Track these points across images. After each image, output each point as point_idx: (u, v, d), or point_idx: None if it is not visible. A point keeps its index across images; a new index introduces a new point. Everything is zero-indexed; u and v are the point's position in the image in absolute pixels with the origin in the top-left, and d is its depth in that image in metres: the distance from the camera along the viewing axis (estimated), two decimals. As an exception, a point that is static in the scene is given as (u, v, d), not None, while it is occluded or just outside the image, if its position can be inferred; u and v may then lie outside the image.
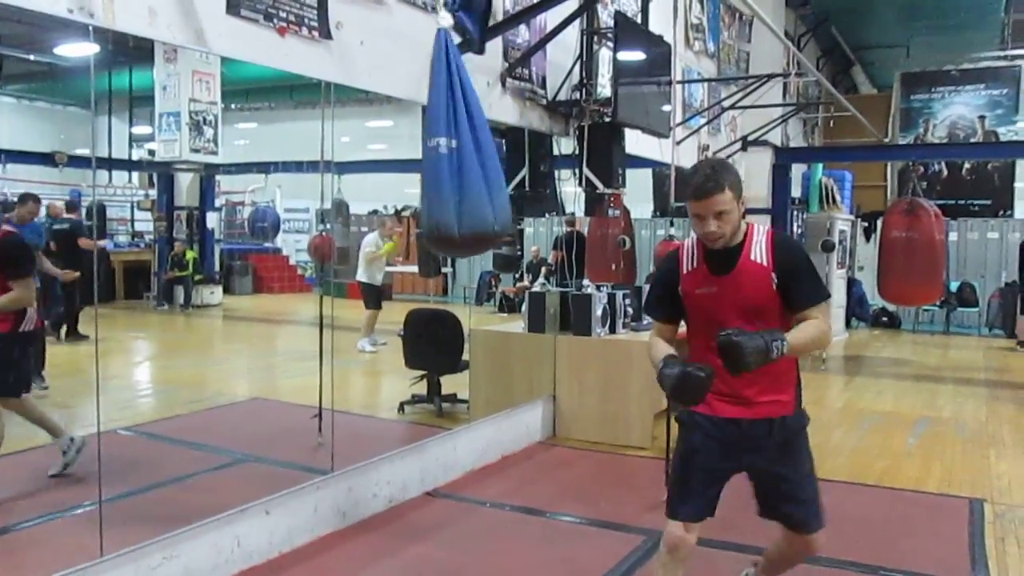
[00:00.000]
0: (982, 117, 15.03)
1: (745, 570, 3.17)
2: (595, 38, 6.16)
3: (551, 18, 5.54)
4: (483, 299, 15.35)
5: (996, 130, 14.86)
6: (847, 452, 5.90)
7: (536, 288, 6.63)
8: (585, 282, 6.49)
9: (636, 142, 6.64)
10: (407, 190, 19.31)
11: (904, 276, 9.12)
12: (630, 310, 6.48)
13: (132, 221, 16.70)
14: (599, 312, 6.06)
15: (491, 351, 6.43)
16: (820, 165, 12.57)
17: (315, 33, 3.85)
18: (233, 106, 17.48)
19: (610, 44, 6.08)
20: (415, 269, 10.45)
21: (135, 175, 15.66)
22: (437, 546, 4.07)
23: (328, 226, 8.30)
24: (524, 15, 5.22)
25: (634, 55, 6.05)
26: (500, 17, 5.24)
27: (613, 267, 7.15)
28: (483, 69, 5.21)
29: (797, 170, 12.19)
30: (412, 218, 10.43)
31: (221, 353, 10.88)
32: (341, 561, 3.85)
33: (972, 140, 14.95)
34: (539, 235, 14.41)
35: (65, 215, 9.76)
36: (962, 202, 14.40)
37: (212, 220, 15.03)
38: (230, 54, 3.67)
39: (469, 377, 6.39)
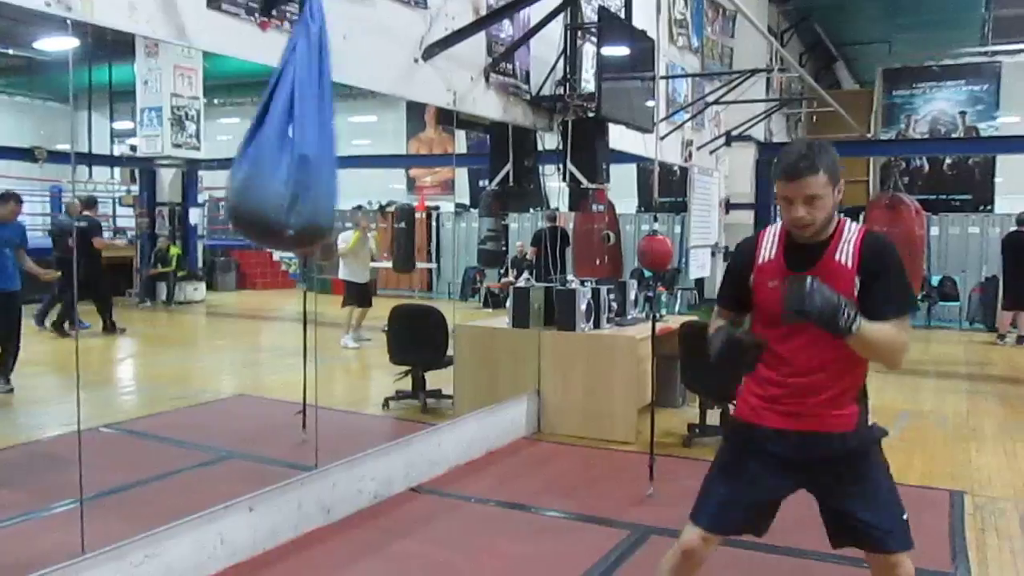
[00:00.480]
0: (963, 113, 15.14)
1: None
2: (579, 33, 6.15)
3: (535, 13, 5.53)
4: (468, 295, 15.35)
5: (977, 126, 14.97)
6: (830, 445, 5.93)
7: (520, 283, 6.63)
8: (569, 277, 6.50)
9: (620, 137, 6.65)
10: (391, 185, 19.32)
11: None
12: (614, 305, 6.50)
13: (114, 217, 16.58)
14: (583, 307, 6.07)
15: (476, 347, 6.43)
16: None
17: (297, 27, 3.82)
18: (216, 101, 17.39)
19: (594, 39, 6.08)
20: (401, 264, 10.44)
21: (116, 171, 15.54)
22: (422, 542, 4.06)
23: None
24: (506, 10, 5.21)
25: (618, 50, 6.05)
26: (483, 12, 5.24)
27: (598, 262, 7.17)
28: (466, 64, 5.21)
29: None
30: (397, 212, 10.43)
31: (205, 349, 10.82)
32: (325, 557, 3.84)
33: (953, 136, 15.06)
34: (524, 231, 14.40)
35: (84, 213, 10.03)
36: (943, 197, 14.50)
37: (195, 216, 14.93)
38: (211, 48, 3.64)
39: (454, 373, 6.38)
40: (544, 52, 5.99)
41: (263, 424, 6.23)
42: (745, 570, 3.38)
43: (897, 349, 2.27)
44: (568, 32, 6.06)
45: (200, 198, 15.61)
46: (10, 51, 14.57)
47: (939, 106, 15.32)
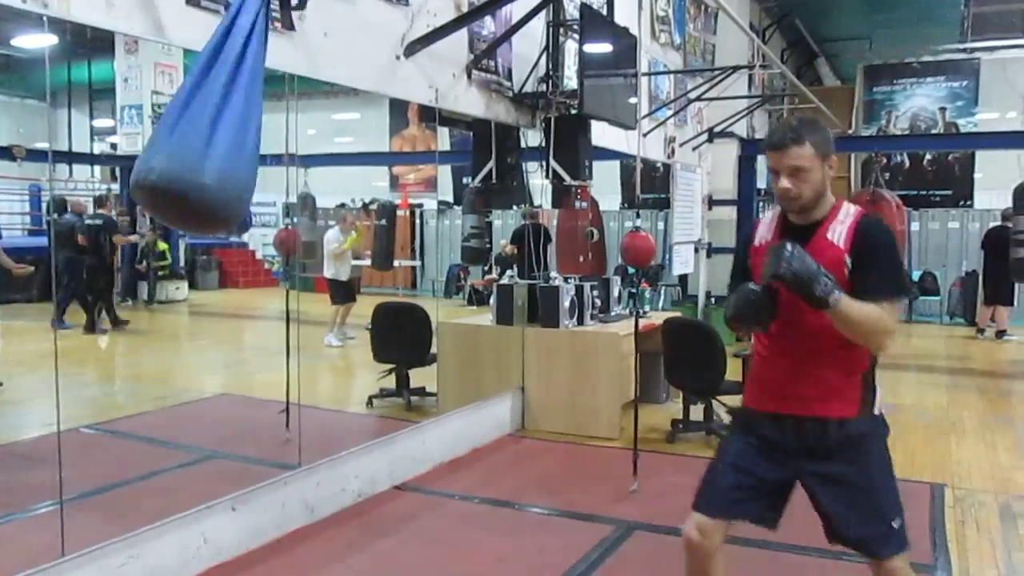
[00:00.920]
0: (943, 109, 15.26)
1: None
2: (561, 30, 6.15)
3: (517, 10, 5.52)
4: (452, 292, 15.33)
5: (956, 122, 15.10)
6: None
7: (504, 281, 6.63)
8: (553, 274, 6.50)
9: (603, 134, 6.65)
10: (375, 183, 19.24)
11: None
12: (598, 301, 6.51)
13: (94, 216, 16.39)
14: (567, 304, 6.08)
15: (460, 344, 6.42)
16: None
17: (278, 24, 3.80)
18: (196, 98, 17.21)
19: (576, 36, 6.08)
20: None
21: (97, 169, 15.39)
22: (406, 539, 4.06)
23: (294, 220, 8.25)
24: (488, 7, 5.20)
25: (600, 47, 6.05)
26: (465, 8, 5.23)
27: (581, 259, 7.18)
28: (448, 61, 5.20)
29: (763, 161, 12.28)
30: (378, 210, 10.40)
31: (187, 349, 10.76)
32: (309, 556, 3.83)
33: (933, 132, 15.18)
34: (508, 228, 14.39)
35: (99, 211, 10.38)
36: (924, 193, 14.63)
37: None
38: (191, 45, 3.59)
39: (438, 370, 6.37)
40: (526, 49, 5.98)
41: (246, 423, 6.20)
42: (737, 567, 3.37)
43: (880, 331, 2.24)
44: (550, 29, 6.06)
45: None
46: (-13, 49, 14.39)
47: (919, 102, 15.45)
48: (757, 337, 2.52)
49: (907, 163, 15.04)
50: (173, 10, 3.31)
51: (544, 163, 6.09)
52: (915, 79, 15.48)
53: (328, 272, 9.55)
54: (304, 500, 4.15)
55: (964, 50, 15.08)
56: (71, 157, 13.76)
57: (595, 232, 7.48)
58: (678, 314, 7.32)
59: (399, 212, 13.50)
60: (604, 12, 6.82)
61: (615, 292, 6.91)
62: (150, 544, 3.33)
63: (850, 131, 14.61)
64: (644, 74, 8.00)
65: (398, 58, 4.71)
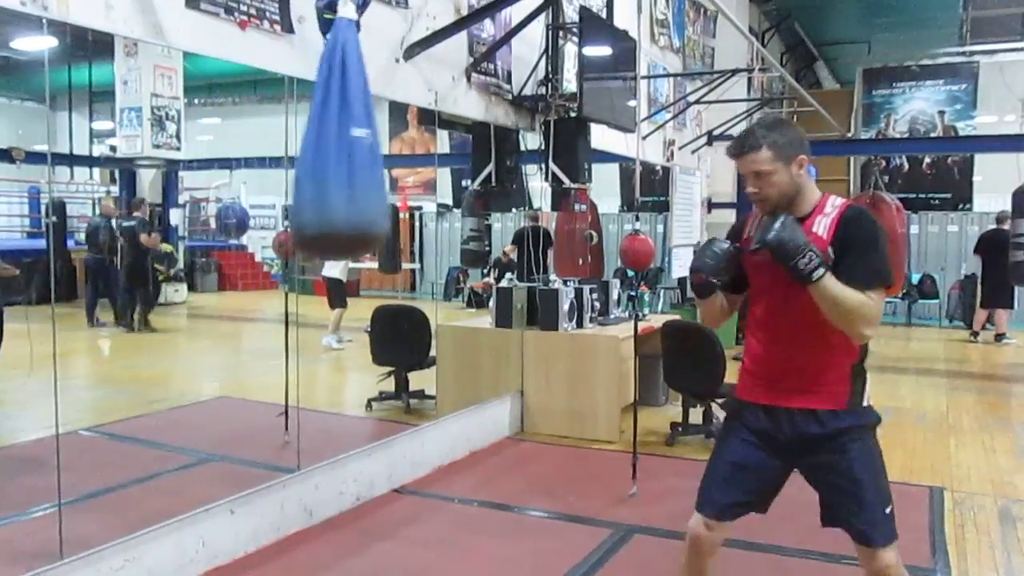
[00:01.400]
0: (941, 112, 15.28)
1: None
2: (560, 33, 6.16)
3: (516, 13, 5.53)
4: (451, 295, 15.32)
5: (955, 125, 15.12)
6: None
7: (504, 284, 6.63)
8: (552, 277, 6.50)
9: (602, 137, 6.65)
10: (374, 186, 19.22)
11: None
12: (597, 304, 6.51)
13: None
14: (566, 307, 6.08)
15: (459, 347, 6.42)
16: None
17: (277, 27, 3.81)
18: (196, 101, 17.26)
19: (575, 39, 6.08)
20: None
21: (96, 171, 15.39)
22: (405, 543, 4.05)
23: (293, 222, 8.28)
24: (487, 10, 5.21)
25: (599, 50, 6.06)
26: (465, 11, 5.23)
27: (580, 262, 7.17)
28: (448, 64, 5.20)
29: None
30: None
31: (186, 351, 10.75)
32: (308, 560, 3.82)
33: (932, 135, 15.19)
34: (507, 230, 14.40)
35: (134, 213, 10.76)
36: (923, 196, 14.62)
37: (176, 217, 14.81)
38: (190, 48, 3.61)
39: (437, 373, 6.37)
40: (526, 52, 5.99)
41: (245, 426, 6.19)
42: (725, 567, 3.37)
43: (860, 316, 2.24)
44: (550, 32, 6.06)
45: (180, 199, 15.50)
46: (-13, 51, 14.41)
47: (918, 106, 15.46)
48: (750, 328, 2.54)
49: (906, 166, 15.04)
50: (172, 13, 3.31)
51: (543, 166, 6.09)
52: (914, 82, 15.50)
53: (328, 272, 9.53)
54: (303, 503, 4.14)
55: (962, 53, 15.10)
56: (71, 159, 13.77)
57: (594, 235, 7.47)
58: (677, 317, 7.33)
59: (399, 215, 13.48)
60: (603, 15, 6.82)
61: (614, 295, 6.91)
62: (148, 547, 3.32)
63: (849, 134, 14.63)
64: (643, 77, 8.00)
65: (397, 61, 4.71)
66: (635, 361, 5.14)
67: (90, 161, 15.08)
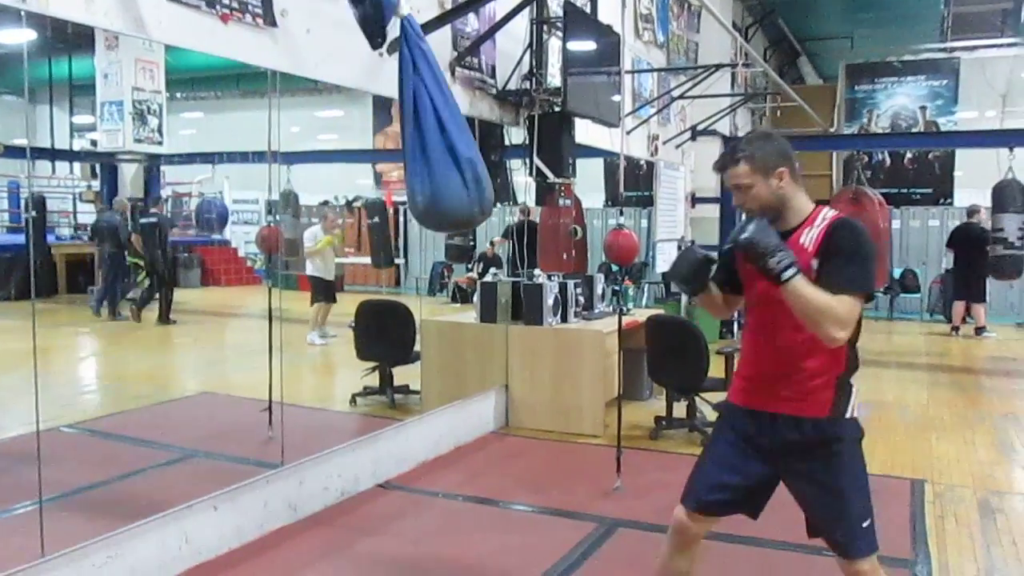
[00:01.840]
0: (923, 108, 15.38)
1: None
2: (545, 27, 6.15)
3: (500, 7, 5.52)
4: (436, 290, 15.28)
5: (936, 120, 15.23)
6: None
7: (488, 279, 6.62)
8: (536, 272, 6.50)
9: (586, 132, 6.66)
10: (358, 180, 19.16)
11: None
12: (581, 299, 6.52)
13: (74, 213, 16.24)
14: (551, 302, 6.08)
15: (443, 342, 6.42)
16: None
17: (259, 20, 3.79)
18: (178, 95, 17.09)
19: (560, 33, 6.08)
20: (367, 260, 10.35)
21: (77, 166, 15.25)
22: (390, 538, 4.05)
23: (277, 217, 8.20)
24: (471, 4, 5.19)
25: (584, 45, 6.06)
26: (448, 6, 5.22)
27: (564, 256, 7.18)
28: (432, 58, 5.17)
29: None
30: (363, 209, 10.34)
31: (169, 347, 10.68)
32: (292, 556, 3.81)
33: (914, 130, 15.30)
34: (491, 225, 14.37)
35: (152, 210, 11.17)
36: (905, 191, 14.73)
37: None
38: (171, 41, 3.58)
39: (421, 368, 6.36)
40: (510, 47, 5.98)
41: (228, 422, 6.17)
42: (710, 560, 3.39)
43: (829, 318, 2.22)
44: (534, 26, 6.06)
45: (163, 193, 15.38)
46: (-36, 44, 14.23)
47: (900, 101, 15.56)
48: (744, 332, 2.59)
49: (888, 161, 15.15)
50: (154, 6, 3.28)
51: (528, 161, 6.09)
52: (896, 78, 15.60)
53: (310, 269, 9.49)
54: (287, 499, 4.13)
55: (944, 49, 15.22)
56: (54, 154, 13.63)
57: (578, 230, 7.48)
58: (661, 311, 7.34)
59: (386, 210, 13.43)
60: (588, 10, 6.82)
61: (599, 290, 6.92)
62: (131, 544, 3.30)
63: (832, 129, 14.70)
64: (627, 72, 8.01)
65: (381, 55, 4.69)
66: (619, 356, 5.16)
67: (71, 156, 14.94)
